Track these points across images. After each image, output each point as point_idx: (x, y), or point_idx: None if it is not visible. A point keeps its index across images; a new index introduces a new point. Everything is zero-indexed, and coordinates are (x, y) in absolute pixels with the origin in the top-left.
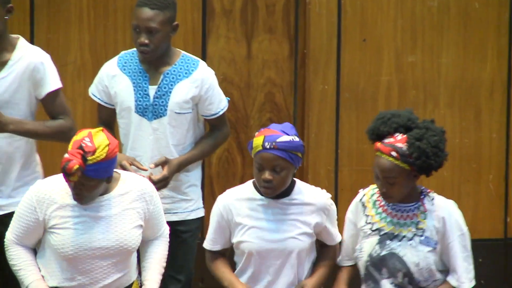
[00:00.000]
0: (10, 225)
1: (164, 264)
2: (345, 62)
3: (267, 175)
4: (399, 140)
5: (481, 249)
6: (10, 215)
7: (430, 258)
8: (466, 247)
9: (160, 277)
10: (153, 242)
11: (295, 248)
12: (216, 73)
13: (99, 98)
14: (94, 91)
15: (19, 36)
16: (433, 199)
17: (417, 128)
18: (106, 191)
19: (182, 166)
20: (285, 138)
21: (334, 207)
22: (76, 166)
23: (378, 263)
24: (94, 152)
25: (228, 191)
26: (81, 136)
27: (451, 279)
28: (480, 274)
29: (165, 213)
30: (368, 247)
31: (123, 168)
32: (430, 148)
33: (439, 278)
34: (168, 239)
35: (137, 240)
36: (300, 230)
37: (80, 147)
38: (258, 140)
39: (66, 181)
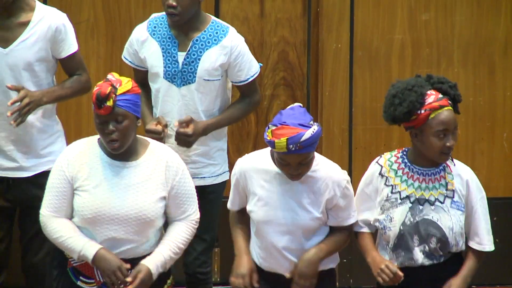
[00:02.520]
0: (43, 202)
1: (182, 246)
2: (358, 20)
3: (294, 170)
4: (436, 93)
5: (495, 207)
6: (41, 175)
7: (462, 222)
8: (487, 210)
9: (171, 255)
10: (176, 223)
11: (304, 225)
12: None
13: (130, 62)
14: (126, 55)
15: None
16: (453, 160)
17: (434, 83)
18: (134, 155)
19: (208, 130)
20: (307, 134)
21: (350, 187)
22: (110, 88)
23: (412, 230)
24: (121, 83)
25: (247, 156)
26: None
27: (472, 244)
28: (494, 232)
29: (192, 178)
30: (399, 216)
31: (152, 132)
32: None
33: (462, 243)
34: (195, 225)
35: (157, 211)
36: (310, 207)
37: (107, 80)
38: (281, 143)
39: (98, 113)
